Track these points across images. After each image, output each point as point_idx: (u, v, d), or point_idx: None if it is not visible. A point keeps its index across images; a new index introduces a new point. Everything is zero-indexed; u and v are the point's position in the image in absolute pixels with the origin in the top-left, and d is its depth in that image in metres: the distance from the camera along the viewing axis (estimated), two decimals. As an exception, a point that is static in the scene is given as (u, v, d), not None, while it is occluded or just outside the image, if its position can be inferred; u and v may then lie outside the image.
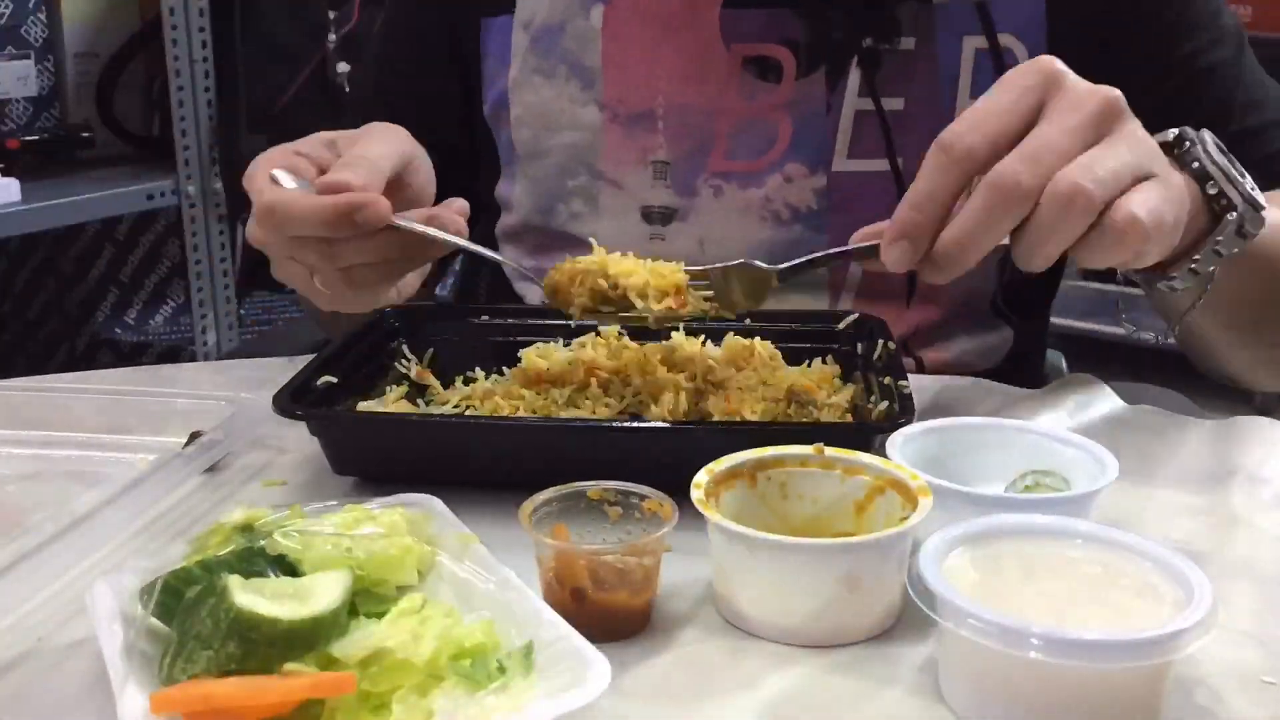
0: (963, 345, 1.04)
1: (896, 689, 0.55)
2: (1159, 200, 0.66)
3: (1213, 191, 0.76)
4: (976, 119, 0.67)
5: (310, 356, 0.83)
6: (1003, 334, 1.06)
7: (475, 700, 0.49)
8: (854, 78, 0.97)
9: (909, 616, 0.59)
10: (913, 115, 0.97)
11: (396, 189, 0.80)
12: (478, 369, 0.87)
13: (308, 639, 0.51)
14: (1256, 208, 0.76)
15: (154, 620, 0.53)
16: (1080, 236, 0.66)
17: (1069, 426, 0.70)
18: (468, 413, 0.81)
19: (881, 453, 0.66)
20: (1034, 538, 0.57)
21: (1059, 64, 0.69)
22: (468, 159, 1.10)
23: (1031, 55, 0.97)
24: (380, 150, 0.79)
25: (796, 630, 0.58)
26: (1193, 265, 0.76)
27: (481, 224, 1.11)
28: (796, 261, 0.77)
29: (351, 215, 0.73)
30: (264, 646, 0.50)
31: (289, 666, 0.50)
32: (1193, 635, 0.49)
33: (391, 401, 0.82)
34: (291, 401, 0.74)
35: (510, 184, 1.08)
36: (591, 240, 0.82)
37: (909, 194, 0.68)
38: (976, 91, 0.98)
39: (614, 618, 0.58)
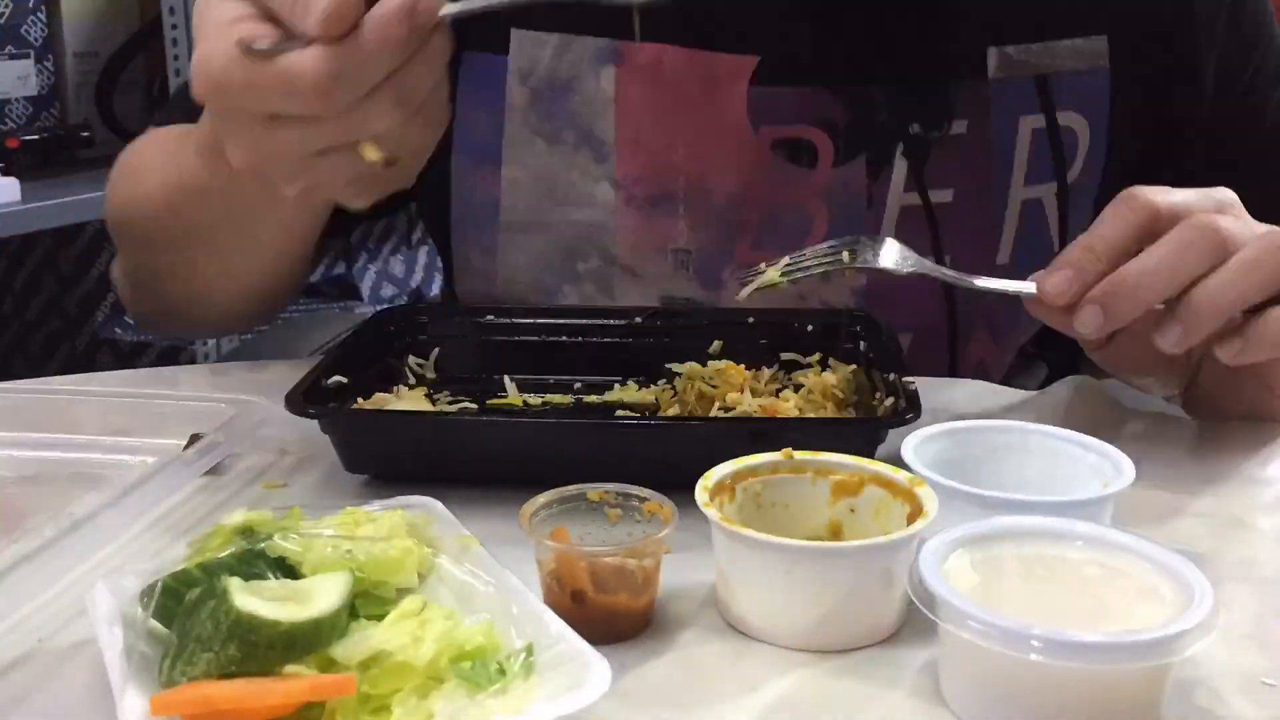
0: None
1: (897, 692, 0.55)
2: None
3: None
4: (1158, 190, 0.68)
5: (309, 359, 0.83)
6: (1037, 374, 1.04)
7: (476, 702, 0.49)
8: (899, 169, 0.90)
9: (910, 619, 0.59)
10: (962, 207, 0.91)
11: None
12: (507, 379, 0.87)
13: (308, 641, 0.51)
14: None
15: (154, 622, 0.53)
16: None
17: (1069, 428, 0.70)
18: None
19: (889, 449, 0.66)
20: (1034, 539, 0.57)
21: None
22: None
23: (1094, 132, 0.93)
24: None
25: (799, 634, 0.58)
26: None
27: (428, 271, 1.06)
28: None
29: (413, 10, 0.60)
30: (264, 649, 0.50)
31: (289, 669, 0.50)
32: (1193, 637, 0.49)
33: (406, 397, 0.83)
34: (304, 401, 0.74)
35: (490, 252, 0.96)
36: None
37: (1082, 237, 0.67)
38: (1032, 178, 0.92)
39: (614, 620, 0.58)
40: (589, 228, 0.93)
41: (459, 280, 1.02)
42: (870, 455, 0.66)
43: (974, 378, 0.97)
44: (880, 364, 0.81)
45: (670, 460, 0.65)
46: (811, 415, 0.78)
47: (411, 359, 0.89)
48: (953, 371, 0.97)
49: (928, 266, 0.74)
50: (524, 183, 0.93)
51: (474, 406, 0.85)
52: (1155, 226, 0.68)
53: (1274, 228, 0.69)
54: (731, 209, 0.92)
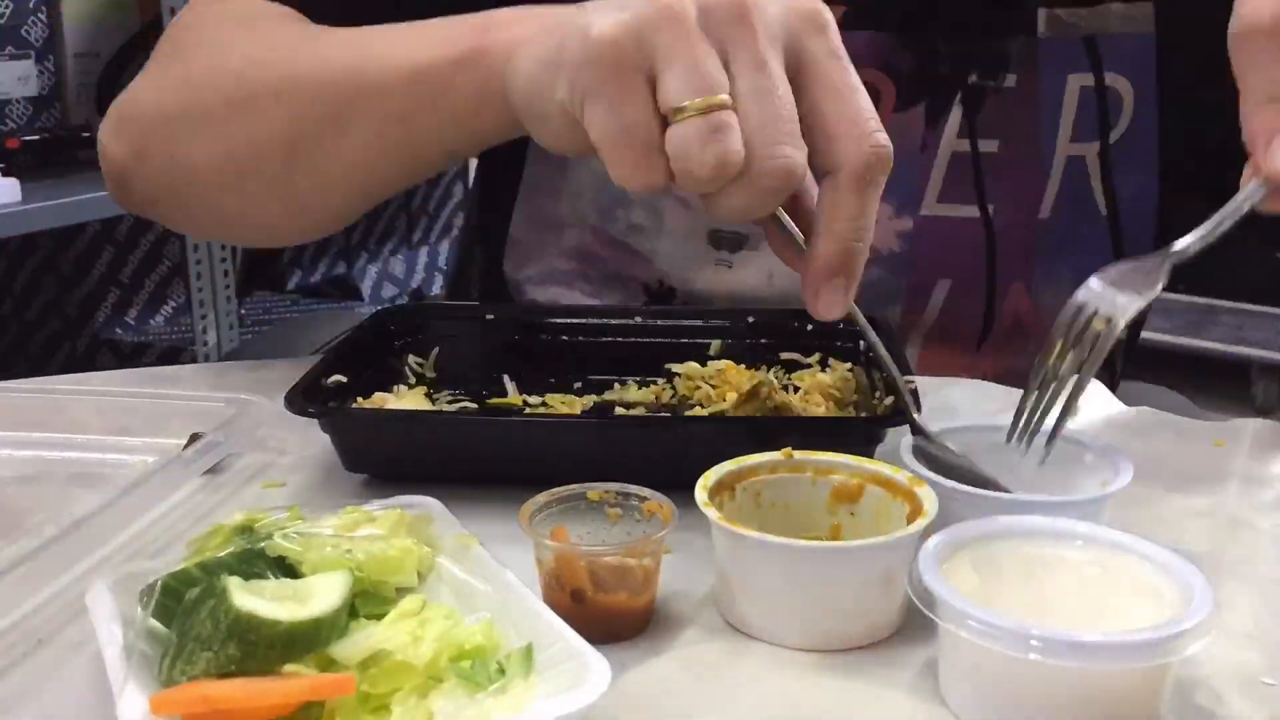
0: None
1: (897, 691, 0.55)
2: None
3: None
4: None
5: (309, 359, 0.83)
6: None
7: (475, 702, 0.49)
8: (954, 116, 0.93)
9: (910, 619, 0.59)
10: (1006, 158, 0.93)
11: None
12: (506, 378, 0.88)
13: (308, 640, 0.51)
14: None
15: (154, 622, 0.53)
16: None
17: (1068, 428, 0.71)
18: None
19: (889, 449, 0.66)
20: (1034, 539, 0.57)
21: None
22: None
23: (1138, 96, 0.93)
24: None
25: (799, 634, 0.58)
26: None
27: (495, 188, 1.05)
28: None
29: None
30: (264, 648, 0.50)
31: (289, 668, 0.50)
32: (1193, 637, 0.49)
33: (405, 397, 0.83)
34: (303, 400, 0.74)
35: (561, 168, 0.99)
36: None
37: (1259, 99, 0.62)
38: (1078, 135, 0.94)
39: (614, 619, 0.58)
40: None
41: (523, 201, 1.03)
42: (870, 454, 0.66)
43: (1010, 336, 0.97)
44: (880, 363, 0.81)
45: (670, 460, 0.65)
46: (811, 415, 0.78)
47: (411, 358, 0.89)
48: (987, 324, 0.97)
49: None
50: None
51: (474, 406, 0.85)
52: None
53: None
54: None
